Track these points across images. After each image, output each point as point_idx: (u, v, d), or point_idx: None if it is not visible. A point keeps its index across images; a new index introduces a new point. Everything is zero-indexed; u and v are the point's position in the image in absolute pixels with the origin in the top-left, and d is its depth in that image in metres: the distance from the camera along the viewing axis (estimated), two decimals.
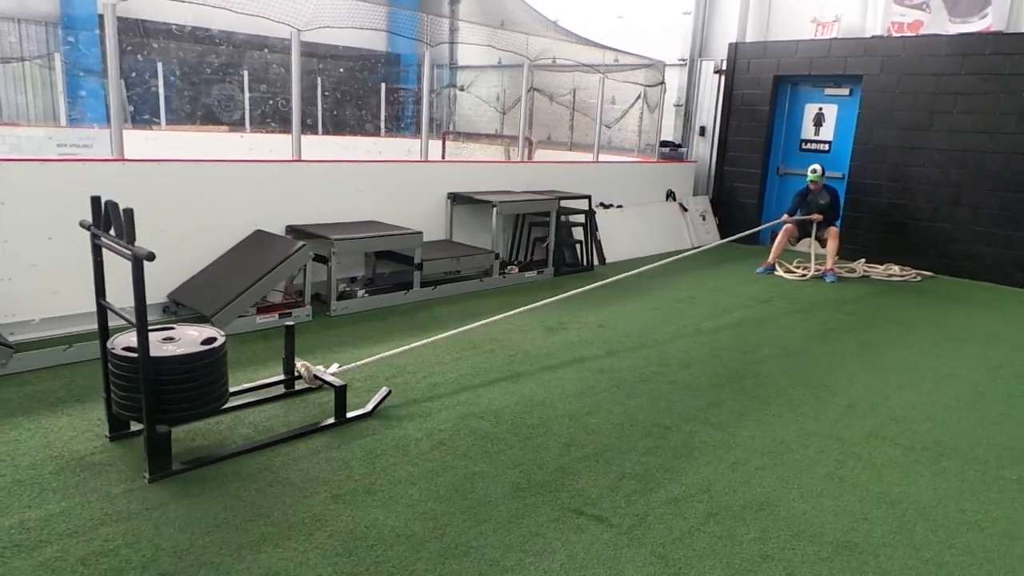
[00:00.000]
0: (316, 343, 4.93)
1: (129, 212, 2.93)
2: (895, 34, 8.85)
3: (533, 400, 4.14)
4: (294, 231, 5.83)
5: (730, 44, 10.14)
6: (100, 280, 3.31)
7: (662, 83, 10.02)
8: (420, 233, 6.03)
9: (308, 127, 12.89)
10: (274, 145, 10.31)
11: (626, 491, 3.17)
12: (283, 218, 5.85)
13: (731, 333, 5.75)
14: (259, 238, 5.63)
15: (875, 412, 4.23)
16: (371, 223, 6.24)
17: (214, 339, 3.25)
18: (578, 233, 8.11)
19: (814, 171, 8.04)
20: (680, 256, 6.88)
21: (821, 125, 9.81)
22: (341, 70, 13.92)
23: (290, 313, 5.33)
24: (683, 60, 10.75)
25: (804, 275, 8.08)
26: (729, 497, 3.17)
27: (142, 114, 11.23)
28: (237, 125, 12.13)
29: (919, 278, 8.35)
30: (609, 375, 4.62)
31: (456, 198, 7.11)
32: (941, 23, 8.58)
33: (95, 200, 3.19)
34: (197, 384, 3.12)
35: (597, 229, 8.45)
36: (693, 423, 3.93)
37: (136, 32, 11.00)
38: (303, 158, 5.97)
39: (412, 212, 6.79)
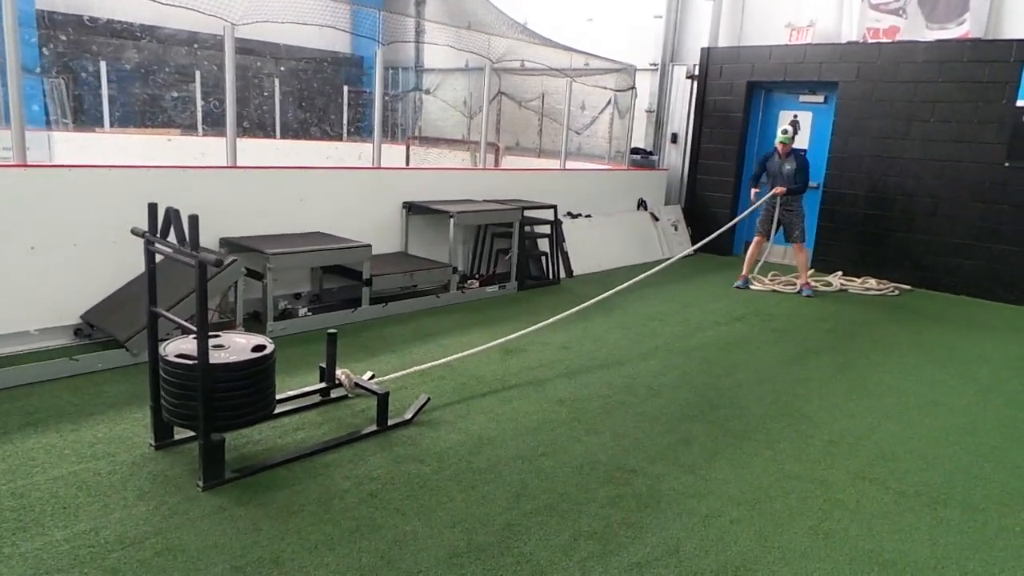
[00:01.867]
0: None
1: (194, 218, 2.86)
2: (871, 40, 8.58)
3: (482, 438, 3.68)
4: (228, 244, 5.31)
5: (702, 49, 9.82)
6: (153, 288, 3.29)
7: (632, 88, 9.66)
8: (368, 246, 5.54)
9: (263, 131, 12.32)
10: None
11: (582, 555, 2.72)
12: (217, 230, 5.33)
13: (703, 355, 5.35)
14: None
15: (860, 448, 3.84)
16: (315, 235, 5.75)
17: (264, 346, 3.22)
18: (544, 244, 7.69)
19: (784, 131, 7.52)
20: (653, 271, 6.47)
21: (796, 133, 9.49)
22: (301, 72, 13.35)
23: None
24: (654, 65, 10.41)
25: (776, 287, 7.74)
26: (700, 560, 2.74)
27: (85, 115, 10.58)
28: (189, 128, 11.52)
29: (897, 292, 8.05)
30: (569, 406, 4.18)
31: (412, 207, 6.64)
32: (918, 29, 8.32)
33: (152, 207, 3.14)
34: (251, 391, 3.10)
35: (564, 240, 8.03)
36: (661, 464, 3.50)
37: (75, 29, 10.36)
38: (239, 164, 5.46)
39: (363, 223, 6.31)
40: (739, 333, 6.02)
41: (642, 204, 9.70)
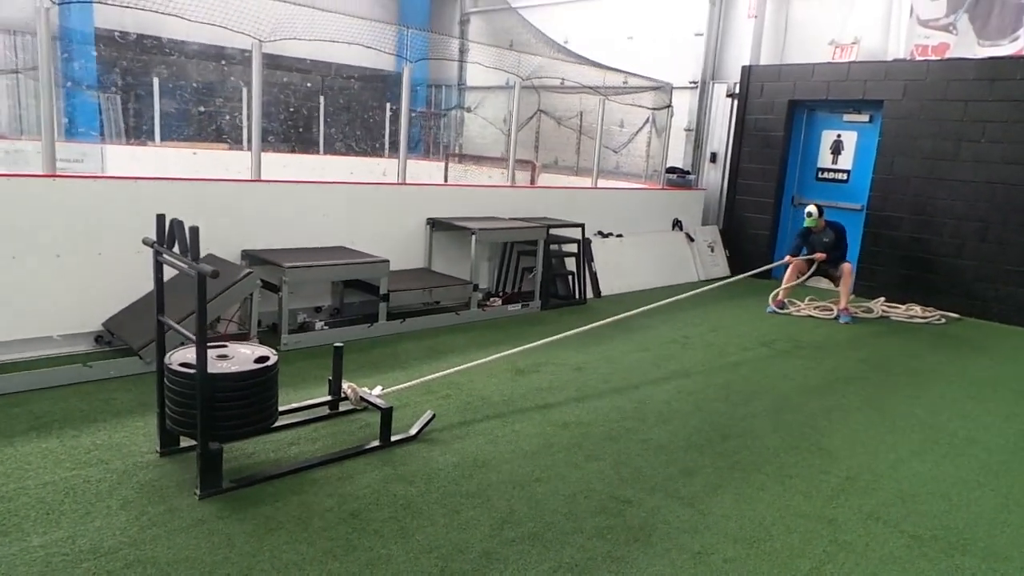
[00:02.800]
0: None
1: (195, 230, 2.97)
2: (919, 57, 8.26)
3: (477, 460, 3.59)
4: (249, 257, 5.39)
5: (743, 67, 9.62)
6: (161, 297, 3.37)
7: (669, 106, 9.51)
8: (386, 262, 5.55)
9: (307, 146, 12.57)
10: (281, 163, 10.04)
11: None
12: (239, 243, 5.41)
13: (723, 381, 5.16)
14: (209, 263, 5.19)
15: (878, 487, 3.61)
16: (336, 250, 5.79)
17: (267, 357, 3.26)
18: (571, 264, 7.59)
19: (809, 215, 7.44)
20: (684, 296, 6.30)
21: (839, 153, 9.21)
22: (345, 89, 13.61)
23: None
24: (694, 83, 10.24)
25: (813, 312, 7.46)
26: None
27: (137, 130, 10.98)
28: (237, 143, 11.84)
29: (943, 320, 7.66)
30: (573, 430, 4.06)
31: (435, 224, 6.64)
32: (969, 46, 7.98)
33: (160, 218, 3.22)
34: (251, 402, 3.14)
35: (592, 260, 7.92)
36: (659, 496, 3.36)
37: (130, 48, 10.79)
38: (263, 178, 5.55)
39: (387, 238, 6.33)
40: (765, 359, 5.80)
41: (677, 224, 9.51)
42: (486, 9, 13.53)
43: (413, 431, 3.81)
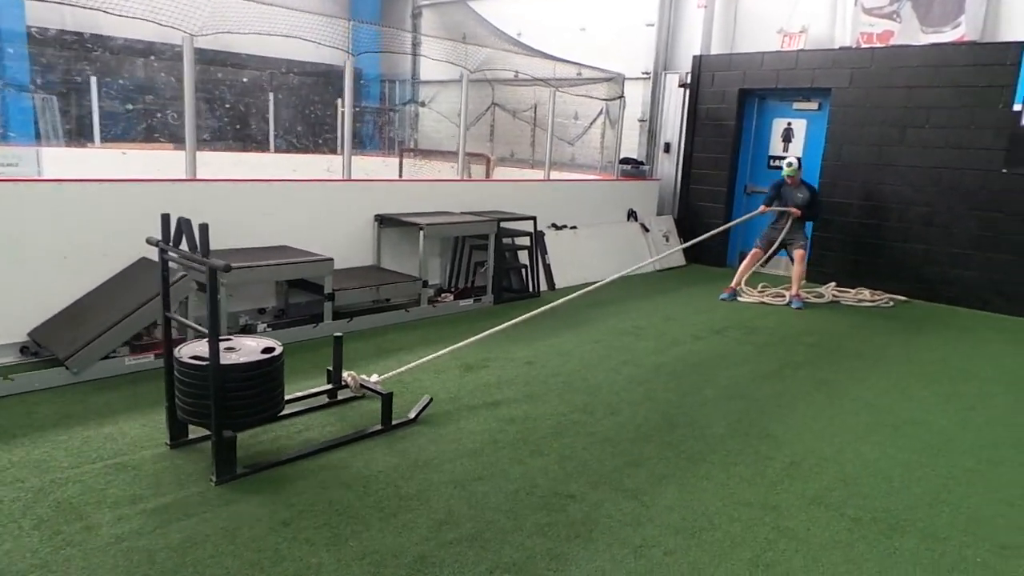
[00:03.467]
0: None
1: (204, 227, 3.08)
2: (864, 45, 8.36)
3: (418, 461, 3.51)
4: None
5: (694, 56, 9.63)
6: (167, 294, 3.49)
7: (621, 97, 9.49)
8: (330, 260, 5.41)
9: (256, 144, 12.29)
10: (230, 161, 9.78)
11: None
12: None
13: (673, 370, 5.14)
14: (143, 267, 5.01)
15: (822, 471, 3.61)
16: (279, 249, 5.63)
17: (273, 348, 3.38)
18: (525, 257, 7.52)
19: (789, 164, 7.50)
20: (617, 276, 6.26)
21: (790, 141, 9.28)
22: (295, 87, 13.34)
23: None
24: (647, 73, 10.24)
25: (765, 298, 7.51)
26: None
27: (76, 132, 10.60)
28: (180, 142, 11.52)
29: (891, 304, 7.78)
30: (519, 425, 3.99)
31: (383, 220, 6.51)
32: (912, 33, 8.08)
33: (165, 217, 3.33)
34: (260, 391, 3.27)
35: (546, 252, 7.86)
36: (603, 489, 3.31)
37: (69, 46, 10.41)
38: (199, 177, 5.36)
39: (334, 236, 6.19)
40: (716, 347, 5.80)
41: (632, 215, 9.51)
42: (438, 1, 13.37)
43: (412, 414, 4.00)
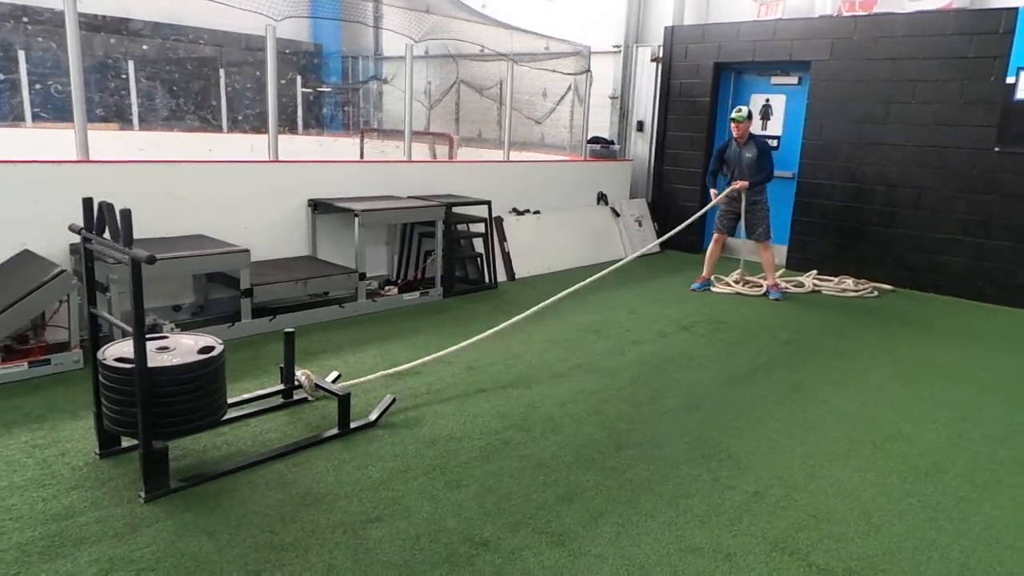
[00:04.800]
0: (50, 405, 3.67)
1: (126, 213, 2.80)
2: (846, 13, 7.76)
3: (308, 496, 2.92)
4: (78, 252, 4.56)
5: (665, 28, 9.01)
6: (91, 288, 3.22)
7: (588, 71, 8.86)
8: (245, 251, 4.79)
9: (207, 125, 11.56)
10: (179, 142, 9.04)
11: None
12: (66, 236, 4.58)
13: (631, 374, 4.58)
14: (23, 261, 4.39)
15: (790, 504, 3.06)
16: (193, 239, 5.01)
17: (211, 347, 3.08)
18: (480, 245, 6.92)
19: (739, 110, 6.63)
20: (597, 276, 5.68)
21: (769, 118, 8.69)
22: (251, 62, 12.59)
23: (48, 360, 4.09)
24: (617, 47, 9.60)
25: (741, 289, 6.97)
26: None
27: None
28: (125, 122, 10.78)
29: (876, 293, 7.25)
30: (440, 448, 3.42)
31: (317, 206, 5.89)
32: (897, 0, 7.49)
33: (87, 202, 3.06)
34: (195, 396, 2.96)
35: (505, 240, 7.27)
36: (525, 532, 2.74)
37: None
38: (92, 158, 4.71)
39: (260, 223, 5.57)
40: (682, 346, 5.24)
41: (602, 198, 8.92)
42: None
43: (373, 416, 3.64)
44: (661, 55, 9.13)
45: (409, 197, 6.49)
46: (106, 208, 2.94)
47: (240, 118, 12.29)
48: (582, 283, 5.14)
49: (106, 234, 3.02)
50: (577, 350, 5.03)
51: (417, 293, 6.12)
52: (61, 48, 9.67)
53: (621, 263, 5.79)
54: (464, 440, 3.51)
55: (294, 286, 5.20)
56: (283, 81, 12.98)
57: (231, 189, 5.41)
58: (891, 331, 5.92)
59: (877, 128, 7.52)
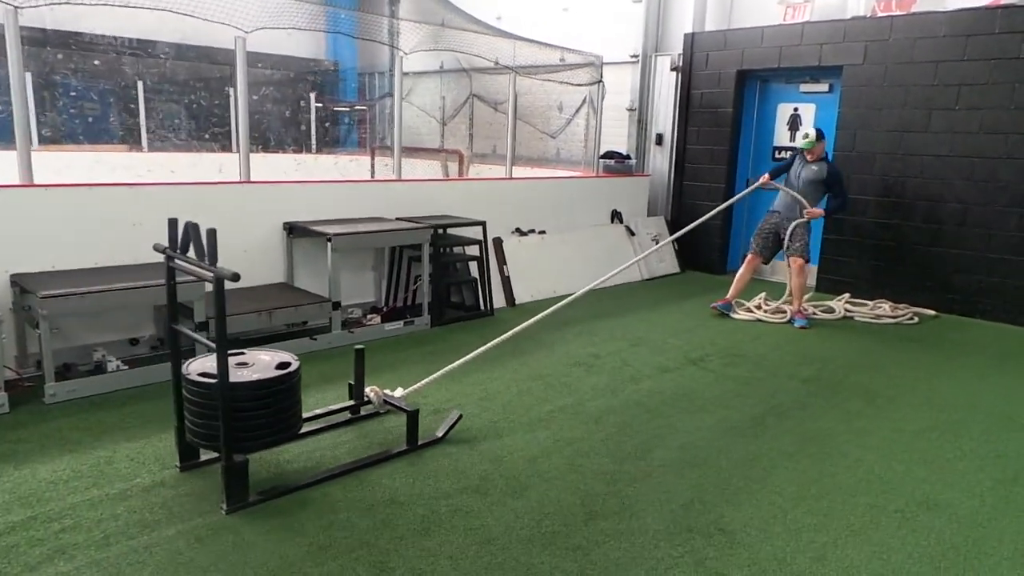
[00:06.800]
0: None
1: (212, 232, 2.87)
2: (881, 13, 7.10)
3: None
4: (19, 284, 4.22)
5: (685, 35, 8.45)
6: (174, 305, 3.26)
7: (599, 82, 8.33)
8: (199, 281, 4.37)
9: (220, 144, 11.37)
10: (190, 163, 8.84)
11: None
12: (5, 264, 4.25)
13: (621, 420, 4.01)
14: None
15: None
16: (144, 268, 4.62)
17: (288, 363, 3.13)
18: (475, 269, 6.43)
19: (806, 136, 6.22)
20: (589, 288, 5.13)
21: (797, 129, 8.05)
22: (266, 81, 12.40)
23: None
24: (635, 56, 9.06)
25: (762, 315, 6.32)
26: None
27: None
28: (135, 143, 10.64)
29: (915, 319, 6.52)
30: (374, 518, 2.91)
31: (293, 230, 5.48)
32: None
33: (172, 222, 3.10)
34: (274, 410, 3.02)
35: (505, 263, 6.76)
36: None
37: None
38: (36, 182, 4.37)
39: (229, 250, 5.15)
40: (685, 384, 4.65)
41: (617, 216, 8.36)
42: None
43: (440, 433, 3.68)
44: (681, 64, 8.56)
45: (397, 219, 6.04)
46: (191, 228, 2.96)
47: (256, 135, 12.09)
48: (554, 307, 4.58)
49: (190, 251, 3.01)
50: (563, 389, 4.48)
51: (401, 323, 5.65)
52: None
53: (603, 278, 5.25)
54: (405, 506, 3.00)
55: (257, 318, 4.78)
56: (303, 102, 12.80)
57: (199, 213, 5.01)
58: (931, 364, 5.22)
59: (917, 138, 6.83)
